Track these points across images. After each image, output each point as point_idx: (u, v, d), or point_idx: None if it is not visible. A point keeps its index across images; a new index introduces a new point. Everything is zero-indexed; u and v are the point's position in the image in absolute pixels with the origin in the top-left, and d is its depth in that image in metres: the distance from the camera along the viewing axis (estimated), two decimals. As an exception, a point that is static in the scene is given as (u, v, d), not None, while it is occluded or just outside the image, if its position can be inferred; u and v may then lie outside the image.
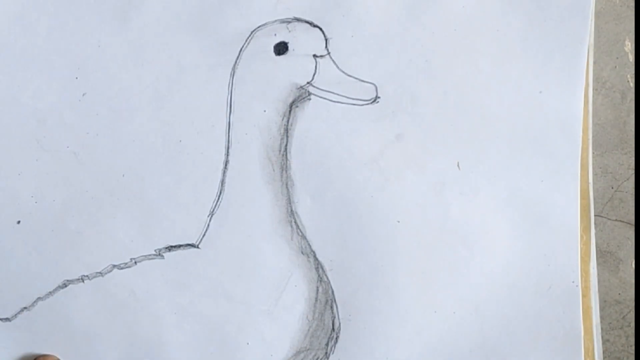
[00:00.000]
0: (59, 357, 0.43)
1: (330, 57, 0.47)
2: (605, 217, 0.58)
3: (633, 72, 0.57)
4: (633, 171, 0.58)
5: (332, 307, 0.48)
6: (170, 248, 0.45)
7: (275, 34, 0.45)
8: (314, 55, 0.46)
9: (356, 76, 0.47)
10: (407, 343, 0.47)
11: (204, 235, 0.45)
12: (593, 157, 0.52)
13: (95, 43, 0.42)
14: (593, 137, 0.52)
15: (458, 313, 0.45)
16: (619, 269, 0.58)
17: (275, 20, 0.45)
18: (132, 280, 0.44)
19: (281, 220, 0.47)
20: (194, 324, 0.45)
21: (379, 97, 0.48)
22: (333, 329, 0.48)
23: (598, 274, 0.53)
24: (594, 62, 0.52)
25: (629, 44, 0.57)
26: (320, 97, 0.46)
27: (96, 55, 0.43)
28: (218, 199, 0.45)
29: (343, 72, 0.47)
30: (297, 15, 0.46)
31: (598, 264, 0.53)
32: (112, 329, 0.44)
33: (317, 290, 0.48)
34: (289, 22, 0.46)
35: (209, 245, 0.45)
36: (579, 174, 0.51)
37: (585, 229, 0.52)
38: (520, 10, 0.49)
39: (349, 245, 0.46)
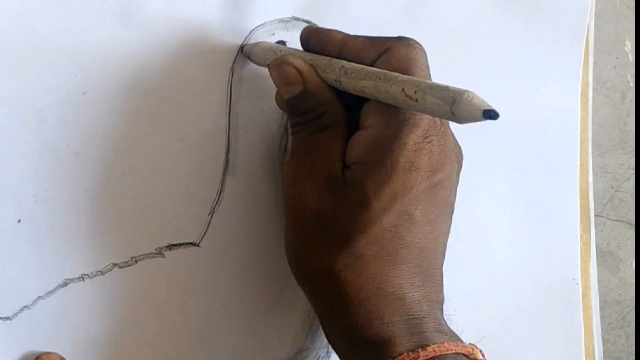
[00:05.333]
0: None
1: (329, 56, 0.47)
2: (605, 217, 0.58)
3: (633, 72, 0.57)
4: (633, 171, 0.58)
5: (332, 306, 0.48)
6: (171, 247, 0.45)
7: (273, 33, 0.46)
8: (313, 54, 0.46)
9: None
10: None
11: (205, 233, 0.45)
12: (593, 157, 0.52)
13: (95, 42, 0.43)
14: (593, 137, 0.52)
15: (458, 311, 0.45)
16: (619, 269, 0.58)
17: (274, 20, 0.46)
18: (133, 279, 0.44)
19: (282, 219, 0.47)
20: (195, 322, 0.45)
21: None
22: (333, 327, 0.48)
23: (598, 274, 0.53)
24: (594, 62, 0.52)
25: (629, 43, 0.57)
26: (320, 96, 0.46)
27: (96, 55, 0.43)
28: (219, 197, 0.45)
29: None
30: (296, 15, 0.46)
31: (598, 264, 0.53)
32: (113, 328, 0.44)
33: (318, 288, 0.47)
34: (287, 21, 0.46)
35: (210, 243, 0.45)
36: (578, 172, 0.51)
37: (585, 228, 0.52)
38: (518, 8, 0.49)
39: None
